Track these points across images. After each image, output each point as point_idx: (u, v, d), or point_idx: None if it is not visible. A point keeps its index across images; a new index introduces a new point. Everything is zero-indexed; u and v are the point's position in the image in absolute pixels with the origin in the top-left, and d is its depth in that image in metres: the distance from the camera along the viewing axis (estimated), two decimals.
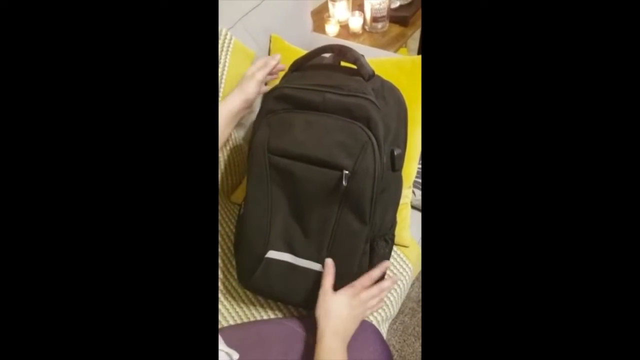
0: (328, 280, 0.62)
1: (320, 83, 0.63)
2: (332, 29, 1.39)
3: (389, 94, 0.68)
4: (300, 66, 0.73)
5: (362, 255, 0.65)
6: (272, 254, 0.67)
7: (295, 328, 0.66)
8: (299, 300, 0.68)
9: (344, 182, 0.60)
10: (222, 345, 0.55)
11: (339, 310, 0.59)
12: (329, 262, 0.63)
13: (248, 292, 0.78)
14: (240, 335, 0.66)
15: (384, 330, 0.79)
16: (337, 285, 0.62)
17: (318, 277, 0.64)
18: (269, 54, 1.03)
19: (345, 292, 0.62)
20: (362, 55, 0.69)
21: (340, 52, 0.69)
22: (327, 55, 0.74)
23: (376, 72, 0.68)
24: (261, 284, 0.70)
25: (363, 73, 0.65)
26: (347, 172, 0.60)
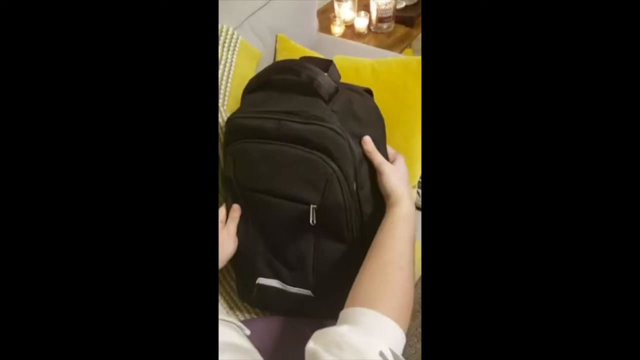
0: (376, 156, 0.58)
1: (274, 109, 0.58)
2: (337, 29, 1.40)
3: (361, 108, 0.62)
4: (255, 87, 0.65)
5: (354, 263, 0.61)
6: (262, 281, 0.66)
7: (299, 324, 0.67)
8: (298, 314, 0.68)
9: (311, 219, 0.57)
10: (234, 319, 0.56)
11: (405, 175, 0.60)
12: (368, 139, 0.59)
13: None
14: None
15: None
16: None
17: (311, 299, 0.64)
18: (275, 54, 1.03)
19: (401, 160, 0.61)
20: (331, 64, 0.63)
21: (295, 71, 0.60)
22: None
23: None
24: (259, 303, 0.72)
25: (322, 94, 0.58)
26: (314, 206, 0.57)
